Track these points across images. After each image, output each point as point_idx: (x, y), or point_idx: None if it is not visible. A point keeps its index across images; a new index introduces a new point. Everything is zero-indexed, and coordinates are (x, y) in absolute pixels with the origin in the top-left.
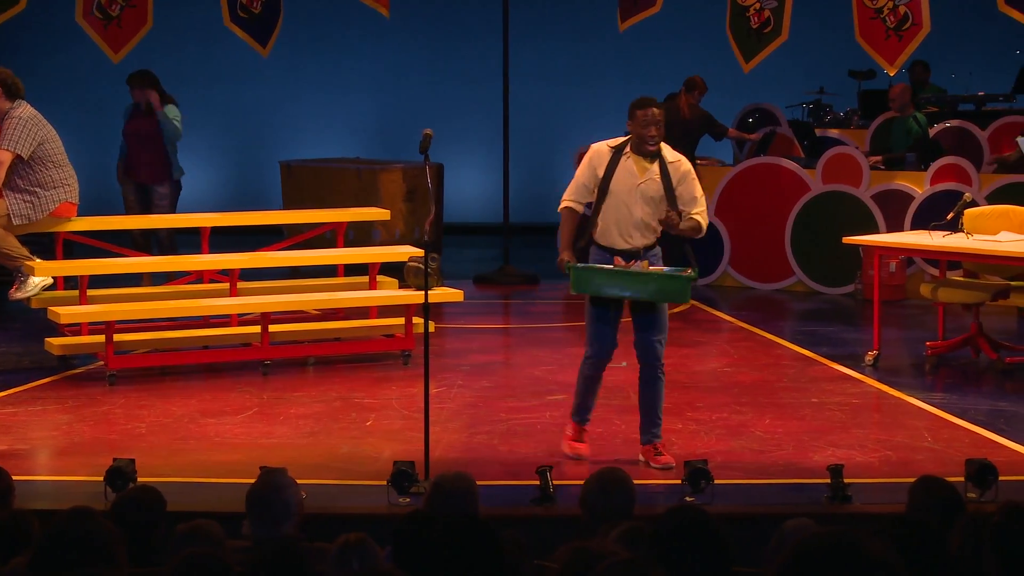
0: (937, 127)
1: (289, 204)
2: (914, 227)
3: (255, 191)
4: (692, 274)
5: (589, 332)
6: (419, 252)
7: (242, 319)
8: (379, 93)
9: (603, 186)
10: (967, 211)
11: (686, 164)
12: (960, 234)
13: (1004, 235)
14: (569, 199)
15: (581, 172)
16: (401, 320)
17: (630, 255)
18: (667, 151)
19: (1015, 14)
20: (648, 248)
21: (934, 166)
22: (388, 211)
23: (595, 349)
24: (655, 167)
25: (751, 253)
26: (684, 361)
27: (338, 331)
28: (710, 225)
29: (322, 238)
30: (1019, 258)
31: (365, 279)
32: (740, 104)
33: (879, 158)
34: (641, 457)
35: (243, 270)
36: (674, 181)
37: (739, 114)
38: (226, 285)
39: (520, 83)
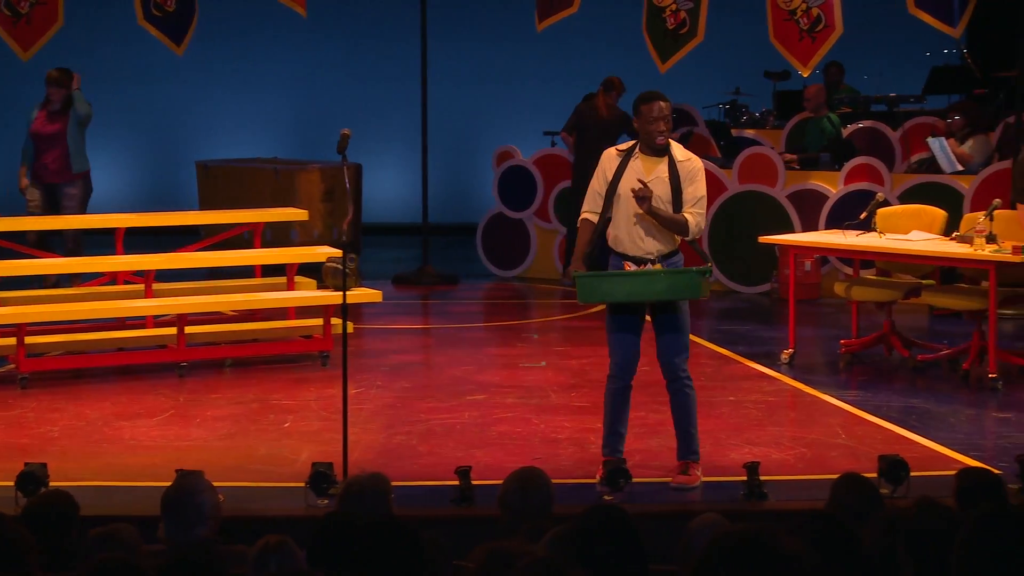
0: (850, 127)
1: (206, 204)
2: (828, 226)
3: (171, 192)
4: (705, 267)
5: (610, 344)
6: (337, 252)
7: (158, 321)
8: (296, 92)
9: (611, 190)
10: (880, 210)
11: (696, 163)
12: (873, 233)
13: (915, 234)
14: (585, 210)
15: (594, 180)
16: (319, 321)
17: (643, 261)
18: (677, 149)
19: (925, 17)
20: (666, 256)
21: (848, 166)
22: (306, 211)
23: (616, 360)
24: (663, 167)
25: None
26: (601, 360)
27: (255, 332)
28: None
29: (239, 238)
30: (930, 257)
31: (283, 280)
32: None
33: (794, 158)
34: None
35: (159, 271)
36: (683, 180)
37: None
38: (141, 286)
39: (438, 83)
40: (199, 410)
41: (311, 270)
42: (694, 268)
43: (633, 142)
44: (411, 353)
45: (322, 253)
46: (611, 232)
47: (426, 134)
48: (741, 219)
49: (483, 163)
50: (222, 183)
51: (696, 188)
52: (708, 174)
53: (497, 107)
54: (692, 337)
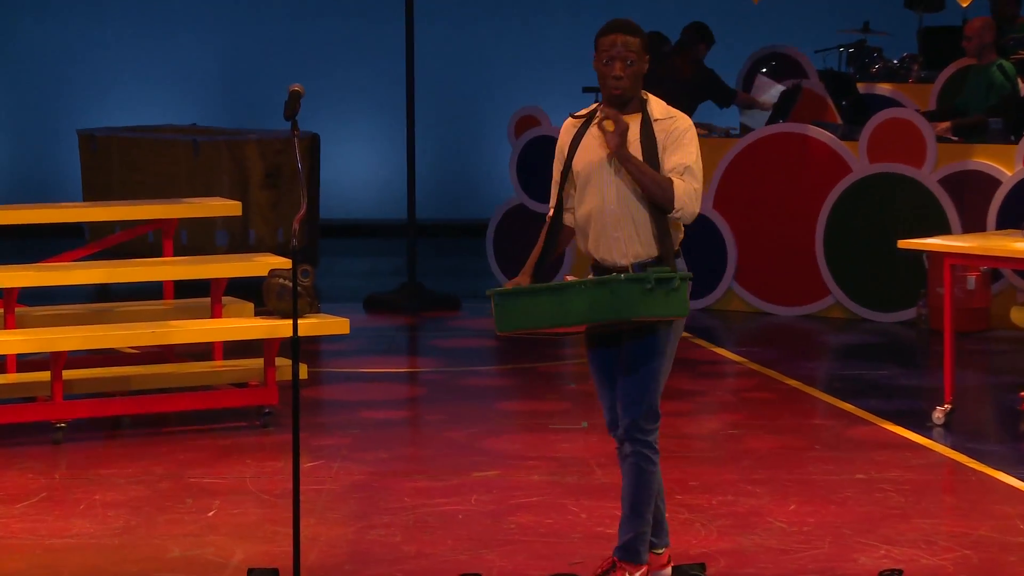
0: None
1: (92, 193)
2: (1001, 225)
3: (42, 174)
4: (657, 273)
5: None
6: (285, 262)
7: (23, 362)
8: (224, 33)
9: (566, 170)
10: None
11: (682, 121)
12: None
13: None
14: (550, 205)
15: (554, 163)
16: (259, 362)
17: (612, 271)
18: (656, 105)
19: None
20: (649, 263)
21: None
22: (238, 203)
23: (606, 420)
24: (633, 127)
25: (766, 263)
26: (671, 421)
27: (165, 379)
28: (704, 223)
29: (141, 242)
30: None
31: (206, 302)
32: (750, 48)
33: (948, 124)
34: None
35: (24, 290)
36: (661, 144)
37: (748, 62)
38: None
39: (429, 20)
40: (83, 492)
41: (246, 288)
42: (629, 273)
43: (595, 104)
44: (391, 408)
45: (262, 263)
46: (578, 232)
47: (412, 92)
48: (872, 215)
49: (495, 133)
50: (116, 162)
51: (683, 154)
52: (822, 148)
53: (513, 53)
54: (799, 386)
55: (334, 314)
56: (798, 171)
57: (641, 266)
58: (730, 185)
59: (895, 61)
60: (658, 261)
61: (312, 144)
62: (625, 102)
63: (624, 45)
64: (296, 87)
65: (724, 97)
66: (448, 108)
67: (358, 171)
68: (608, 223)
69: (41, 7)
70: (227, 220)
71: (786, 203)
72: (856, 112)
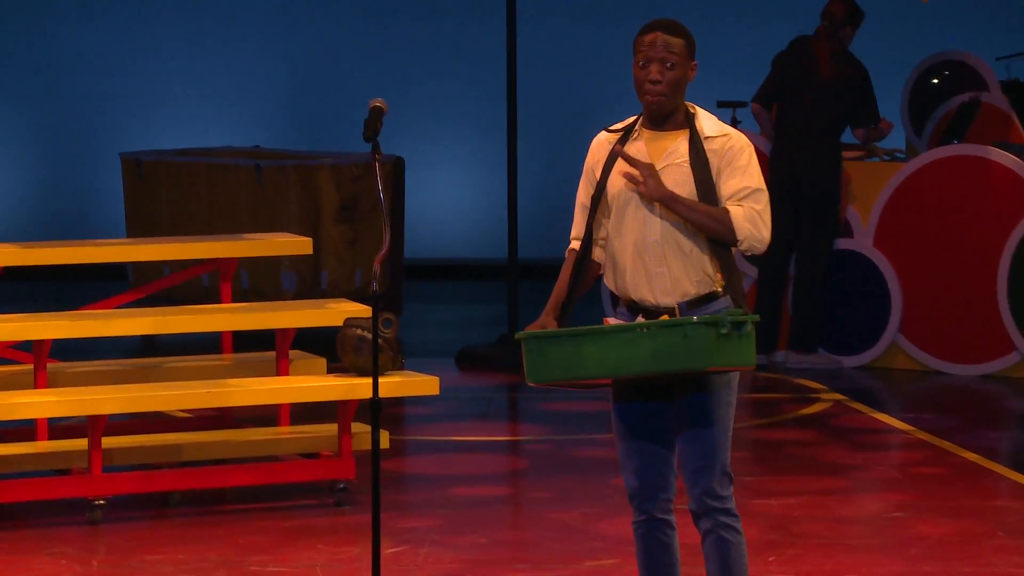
0: None
1: (137, 228)
2: None
3: (80, 205)
4: (732, 315)
5: (619, 462)
6: (365, 310)
7: (55, 427)
8: (293, 38)
9: (597, 194)
10: None
11: (739, 140)
12: None
13: None
14: (572, 236)
15: (580, 185)
16: (332, 428)
17: (655, 313)
18: (706, 120)
19: None
20: (699, 302)
21: None
22: (309, 240)
23: (628, 481)
24: (679, 145)
25: (937, 312)
26: (822, 500)
27: (222, 448)
28: (863, 265)
29: (195, 286)
30: None
31: (270, 357)
32: (917, 55)
33: None
34: None
35: (57, 343)
36: (715, 168)
37: (915, 72)
38: (28, 368)
39: (535, 20)
40: None
41: (318, 341)
42: (704, 316)
43: (634, 117)
44: (488, 484)
45: (337, 311)
46: (607, 265)
47: (514, 106)
48: None
49: None
50: (165, 191)
51: (745, 177)
52: (1005, 174)
53: (631, 58)
54: (980, 460)
55: (421, 371)
56: (976, 201)
57: (691, 304)
58: (894, 219)
59: None
60: (708, 299)
61: (396, 170)
62: (666, 115)
63: (665, 45)
64: (377, 102)
65: (865, 115)
66: (558, 126)
67: (450, 202)
68: (651, 257)
69: (77, 7)
70: (295, 260)
71: (962, 240)
72: None
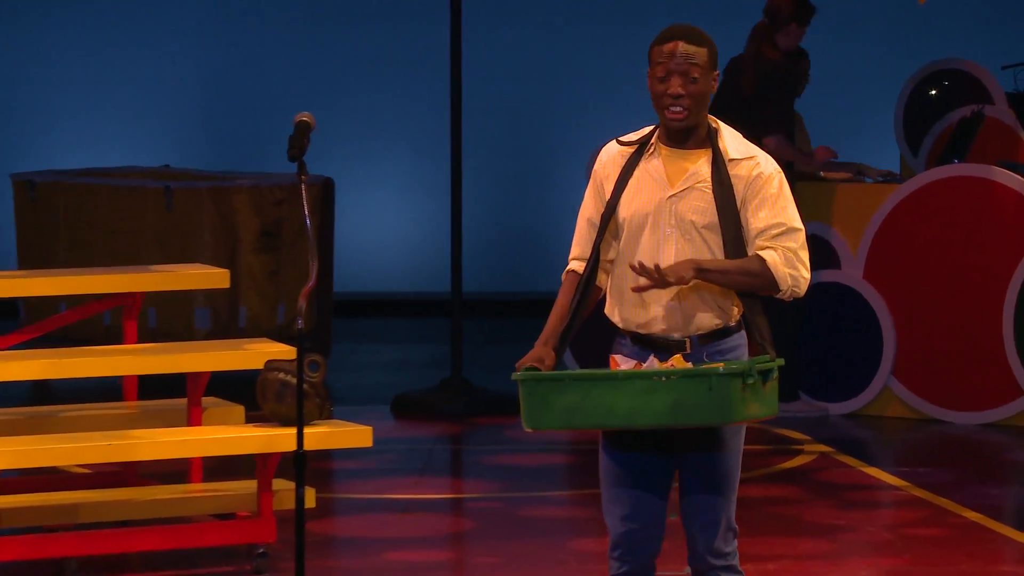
0: None
1: (30, 258)
2: None
3: None
4: (760, 364)
5: (604, 506)
6: (288, 351)
7: None
8: (207, 45)
9: (607, 212)
10: None
11: (768, 164)
12: None
13: None
14: (571, 256)
15: (585, 198)
16: (251, 485)
17: (666, 348)
18: (730, 138)
19: None
20: (712, 337)
21: None
22: (226, 272)
23: (614, 536)
24: (702, 166)
25: (935, 353)
26: (805, 566)
27: (126, 507)
28: (851, 299)
29: (95, 324)
30: None
31: (181, 404)
32: (913, 63)
33: None
34: None
35: None
36: (740, 196)
37: (911, 82)
38: None
39: (482, 24)
40: None
41: (235, 386)
42: (730, 365)
43: (649, 129)
44: (428, 548)
45: (257, 352)
46: (611, 294)
47: (459, 121)
48: None
49: (570, 176)
50: (62, 216)
51: (774, 210)
52: (1010, 196)
53: (602, 67)
54: (981, 519)
55: (352, 420)
56: (979, 228)
57: (705, 339)
58: (888, 247)
59: None
60: (723, 334)
61: (324, 192)
62: (687, 133)
63: (686, 56)
64: (304, 116)
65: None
66: (507, 143)
67: (386, 228)
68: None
69: None
70: (210, 294)
71: (963, 271)
72: None
